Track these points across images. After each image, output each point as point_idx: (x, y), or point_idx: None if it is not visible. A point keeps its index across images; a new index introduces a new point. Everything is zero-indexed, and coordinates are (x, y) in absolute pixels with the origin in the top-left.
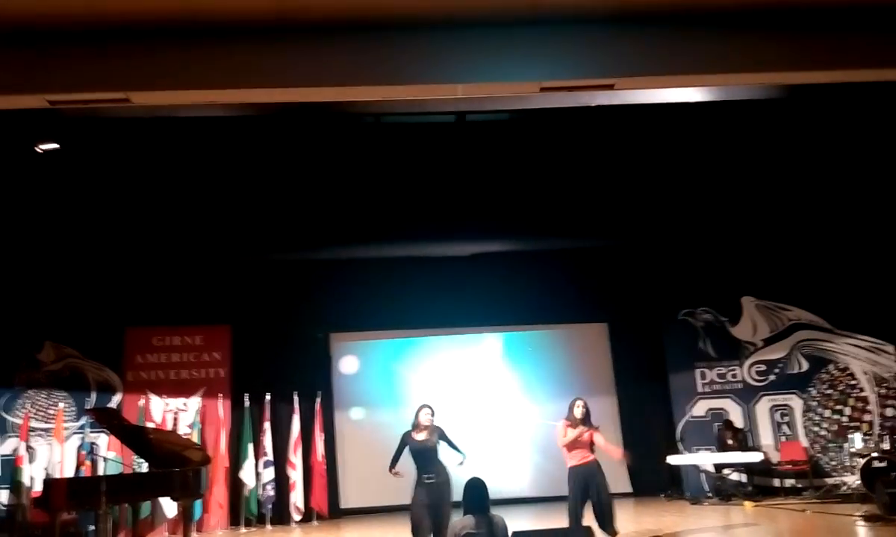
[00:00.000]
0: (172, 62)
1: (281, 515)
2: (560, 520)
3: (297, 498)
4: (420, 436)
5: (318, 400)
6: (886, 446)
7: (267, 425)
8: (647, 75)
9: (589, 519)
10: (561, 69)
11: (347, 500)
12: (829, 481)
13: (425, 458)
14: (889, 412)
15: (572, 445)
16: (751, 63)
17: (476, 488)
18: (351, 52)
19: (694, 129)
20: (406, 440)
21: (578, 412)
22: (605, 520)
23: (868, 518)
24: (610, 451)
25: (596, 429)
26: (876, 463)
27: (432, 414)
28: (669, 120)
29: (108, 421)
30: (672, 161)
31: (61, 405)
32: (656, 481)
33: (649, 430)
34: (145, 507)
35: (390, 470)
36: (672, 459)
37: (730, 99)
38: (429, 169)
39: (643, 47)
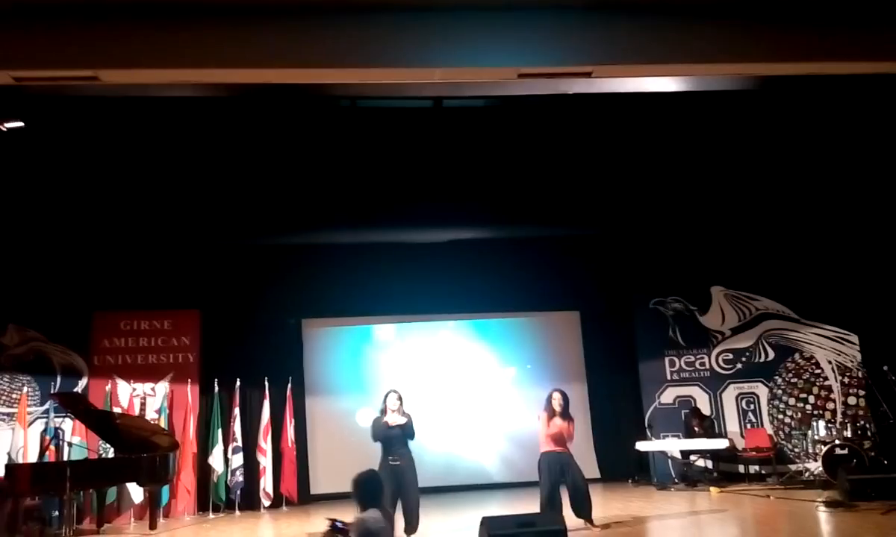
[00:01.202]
0: (142, 40)
1: (250, 501)
2: (528, 506)
3: (266, 483)
4: (389, 421)
5: (289, 386)
6: (848, 434)
7: (237, 411)
8: (624, 64)
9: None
10: (539, 56)
11: (318, 486)
12: (793, 468)
13: (392, 443)
14: (852, 400)
15: (551, 435)
16: (726, 54)
17: (373, 481)
18: (327, 33)
19: (667, 120)
20: (378, 424)
21: (556, 404)
22: (584, 508)
23: (829, 503)
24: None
25: (572, 422)
26: (838, 451)
27: (399, 400)
28: (644, 110)
29: (73, 405)
30: (646, 151)
31: (25, 389)
32: (624, 467)
33: (618, 417)
34: (111, 493)
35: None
36: (640, 445)
37: (704, 89)
38: (404, 154)
39: (621, 36)
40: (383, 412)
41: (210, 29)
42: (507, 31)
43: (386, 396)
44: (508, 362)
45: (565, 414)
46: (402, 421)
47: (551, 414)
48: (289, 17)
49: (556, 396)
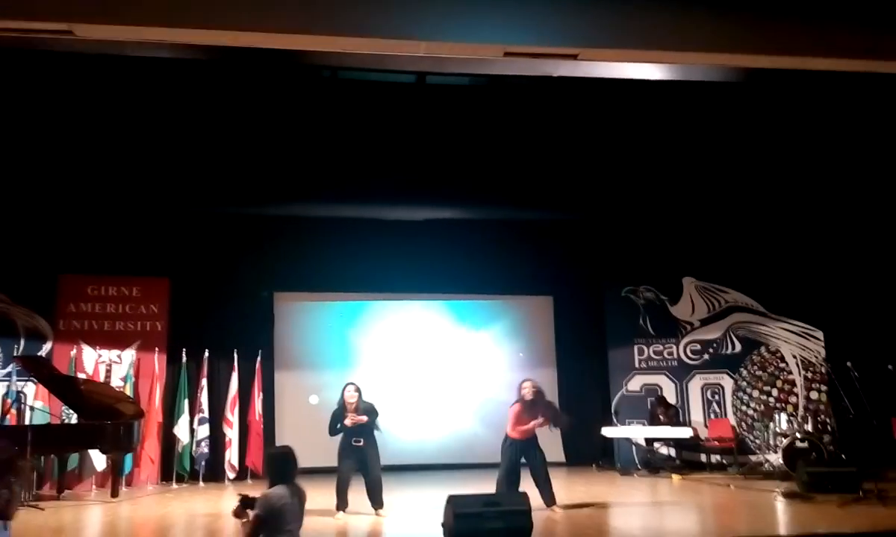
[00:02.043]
0: None
1: (215, 473)
2: (491, 486)
3: (232, 456)
4: (347, 423)
5: (259, 359)
6: (809, 428)
7: (204, 382)
8: (610, 48)
9: (526, 487)
10: (526, 35)
11: None
12: (753, 459)
13: (354, 432)
14: (814, 395)
15: (521, 425)
16: (713, 44)
17: (285, 457)
18: None
19: (649, 109)
20: (335, 423)
21: (527, 393)
22: (545, 491)
23: (787, 494)
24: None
25: (547, 416)
26: (798, 444)
27: (357, 392)
28: (625, 97)
29: (36, 369)
30: (625, 139)
31: None
32: (589, 452)
33: (586, 403)
34: (73, 459)
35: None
36: (605, 431)
37: (686, 79)
38: (384, 129)
39: (609, 20)
40: (342, 406)
41: None
42: (496, 8)
43: (343, 390)
44: (481, 344)
45: (536, 405)
46: (363, 420)
47: (522, 405)
48: None
49: (526, 385)
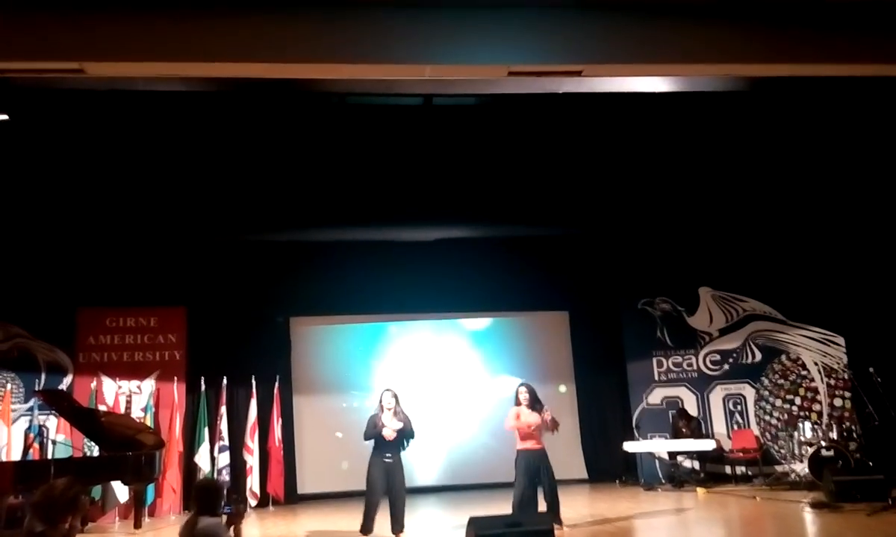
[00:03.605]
0: (128, 32)
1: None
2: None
3: (253, 483)
4: (387, 434)
5: (277, 384)
6: (834, 435)
7: (223, 409)
8: (615, 63)
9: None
10: (530, 53)
11: (304, 486)
12: (779, 469)
13: (387, 442)
14: (838, 402)
15: (525, 430)
16: (717, 54)
17: (215, 490)
18: (317, 27)
19: (657, 121)
20: (373, 426)
21: (523, 398)
22: (554, 508)
23: (815, 504)
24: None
25: (544, 410)
26: (824, 452)
27: (395, 398)
28: (634, 110)
29: (58, 403)
30: (635, 152)
31: (9, 386)
32: (611, 468)
33: (606, 418)
34: (96, 491)
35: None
36: (627, 446)
37: (693, 89)
38: (394, 152)
39: (612, 35)
40: (379, 412)
41: (197, 21)
42: (498, 29)
43: (381, 396)
44: (498, 363)
45: (533, 406)
46: (399, 425)
47: (521, 408)
48: (278, 10)
49: (522, 390)
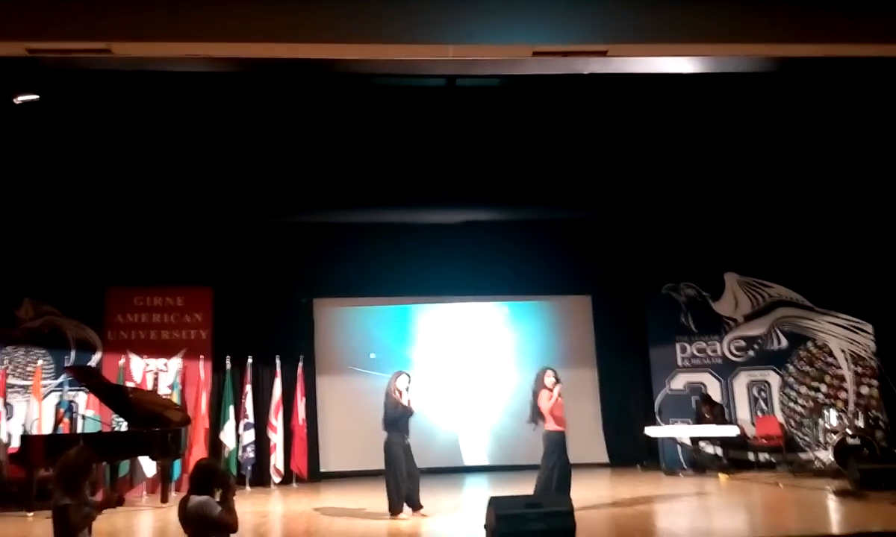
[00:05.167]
0: (155, 12)
1: (260, 477)
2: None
3: (277, 460)
4: (412, 406)
5: (301, 364)
6: (860, 423)
7: (248, 388)
8: (640, 43)
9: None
10: (554, 33)
11: (327, 464)
12: (803, 456)
13: (405, 422)
14: (864, 390)
15: (556, 410)
16: (745, 34)
17: (207, 470)
18: (341, 8)
19: (683, 102)
20: (396, 406)
21: (549, 381)
22: (566, 490)
23: (839, 492)
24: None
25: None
26: (849, 440)
27: (409, 379)
28: (659, 92)
29: (87, 379)
30: (661, 134)
31: (40, 362)
32: (633, 452)
33: (628, 402)
34: (123, 466)
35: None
36: (649, 431)
37: (720, 71)
38: (418, 133)
39: (638, 14)
40: (397, 392)
41: (222, 1)
42: (522, 8)
43: (398, 379)
44: (520, 346)
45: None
46: (407, 402)
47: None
48: None
49: (549, 372)
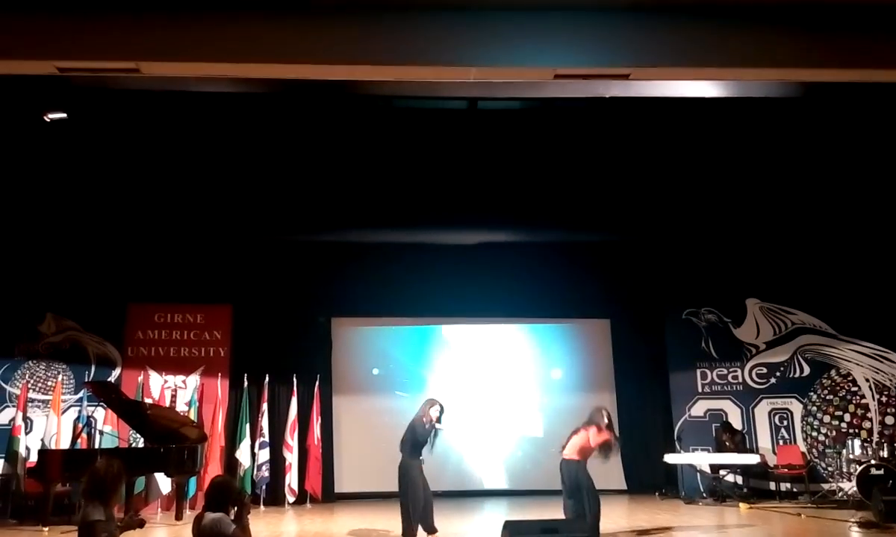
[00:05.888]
0: (183, 33)
1: (275, 496)
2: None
3: (291, 480)
4: (429, 427)
5: (317, 383)
6: (885, 454)
7: (265, 406)
8: (663, 67)
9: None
10: (576, 56)
11: (342, 485)
12: (826, 487)
13: (422, 446)
14: (889, 420)
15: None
16: (766, 59)
17: (223, 487)
18: (363, 29)
19: (705, 127)
20: (428, 429)
21: (604, 422)
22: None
23: (862, 524)
24: None
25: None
26: (873, 471)
27: (442, 412)
28: (680, 116)
29: (106, 394)
30: (682, 158)
31: (60, 377)
32: (651, 480)
33: (647, 428)
34: (139, 482)
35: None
36: (669, 458)
37: (742, 95)
38: (438, 155)
39: (660, 38)
40: (429, 420)
41: (247, 22)
42: (544, 31)
43: (432, 406)
44: (538, 369)
45: (610, 427)
46: (429, 428)
47: (601, 428)
48: (325, 12)
49: (605, 412)
